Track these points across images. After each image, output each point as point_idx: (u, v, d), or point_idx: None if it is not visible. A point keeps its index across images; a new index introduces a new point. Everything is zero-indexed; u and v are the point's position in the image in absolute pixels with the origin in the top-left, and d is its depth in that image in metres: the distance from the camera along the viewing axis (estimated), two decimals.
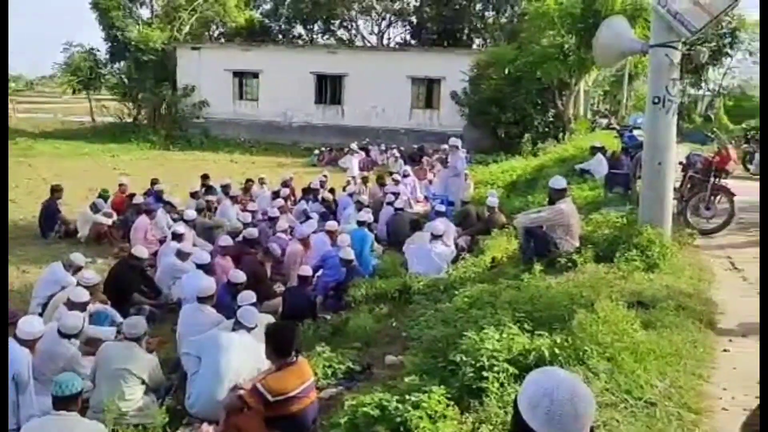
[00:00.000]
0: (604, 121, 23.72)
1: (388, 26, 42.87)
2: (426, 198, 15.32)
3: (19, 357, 5.17)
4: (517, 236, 7.94)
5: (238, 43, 33.58)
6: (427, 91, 29.85)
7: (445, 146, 15.25)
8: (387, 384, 4.55)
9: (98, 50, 33.55)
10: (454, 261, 9.00)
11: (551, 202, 7.27)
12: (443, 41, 36.84)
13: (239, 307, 5.93)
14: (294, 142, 29.57)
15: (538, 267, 6.28)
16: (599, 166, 12.08)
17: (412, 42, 40.43)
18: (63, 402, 4.07)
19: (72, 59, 32.96)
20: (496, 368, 3.90)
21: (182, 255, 8.71)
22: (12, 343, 5.28)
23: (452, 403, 3.71)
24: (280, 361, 4.58)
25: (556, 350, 4.06)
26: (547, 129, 23.75)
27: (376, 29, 42.94)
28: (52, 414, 4.10)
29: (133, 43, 30.65)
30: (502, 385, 3.84)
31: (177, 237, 9.37)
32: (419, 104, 29.95)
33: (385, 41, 42.35)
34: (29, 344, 5.29)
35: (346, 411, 3.88)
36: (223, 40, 36.64)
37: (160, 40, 30.96)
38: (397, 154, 23.27)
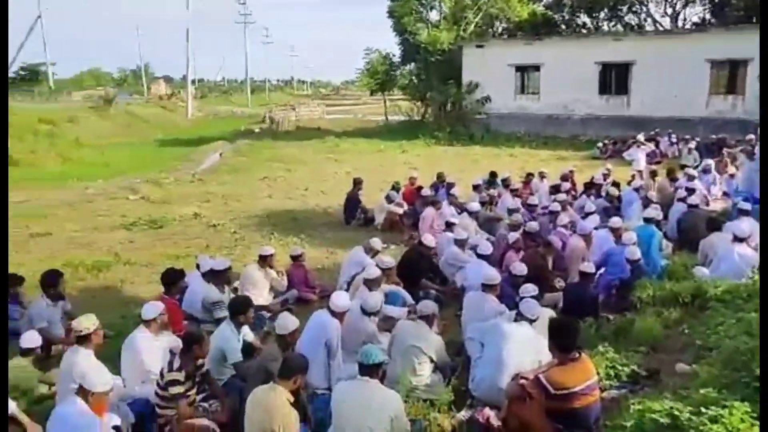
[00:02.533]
0: None
1: (684, 6, 38.88)
2: (726, 194, 13.66)
3: (331, 326, 6.02)
4: None
5: (521, 38, 33.66)
6: (730, 75, 26.52)
7: (751, 136, 13.38)
8: (677, 393, 4.27)
9: (393, 54, 36.71)
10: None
11: None
12: (751, 18, 32.16)
13: (521, 298, 6.05)
14: (574, 135, 28.76)
15: None
16: None
17: (712, 21, 36.09)
18: (367, 369, 4.62)
19: (371, 63, 36.53)
20: None
21: (461, 243, 9.15)
22: (325, 314, 6.16)
23: (757, 422, 3.35)
24: (562, 356, 4.59)
25: None
26: None
27: (669, 11, 39.31)
28: (358, 378, 4.68)
29: (422, 45, 32.78)
30: None
31: (450, 227, 9.90)
32: (719, 90, 26.72)
33: (679, 23, 38.55)
34: (339, 316, 6.11)
35: (633, 415, 3.75)
36: (506, 35, 37.05)
37: (447, 40, 32.58)
38: (692, 146, 21.06)
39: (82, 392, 4.52)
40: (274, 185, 18.94)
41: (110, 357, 5.85)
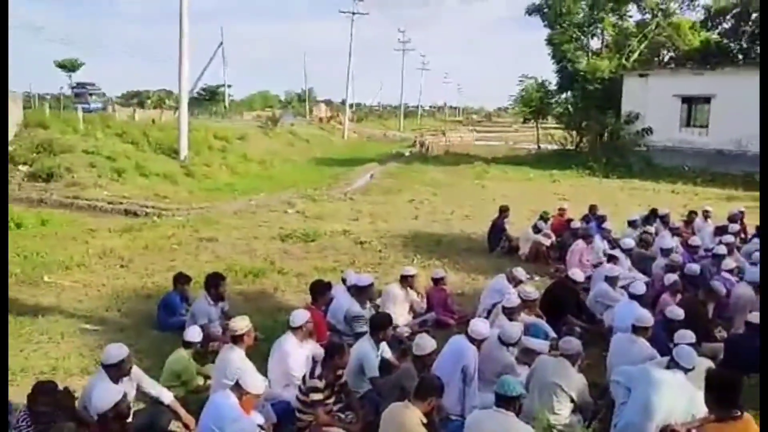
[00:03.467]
0: None
1: None
2: None
3: (468, 352, 5.97)
4: None
5: (690, 67, 31.57)
6: None
7: None
8: None
9: (549, 82, 36.06)
10: None
11: None
12: None
13: (676, 345, 5.62)
14: (747, 173, 26.23)
15: None
16: None
17: None
18: (505, 400, 4.51)
19: (525, 91, 36.12)
20: None
21: (612, 281, 8.70)
22: (463, 339, 6.11)
23: None
24: (721, 413, 4.20)
25: None
26: None
27: None
28: (494, 409, 4.59)
29: (581, 73, 31.93)
30: None
31: (612, 260, 9.43)
32: None
33: None
34: (477, 343, 6.04)
35: None
36: (673, 65, 34.96)
37: (607, 69, 31.48)
38: None
39: (237, 389, 4.87)
40: (421, 207, 19.23)
41: (258, 358, 6.23)
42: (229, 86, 73.31)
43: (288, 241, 13.89)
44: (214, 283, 7.92)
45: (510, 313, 7.06)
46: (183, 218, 16.49)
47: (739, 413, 4.19)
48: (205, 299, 7.82)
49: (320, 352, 5.88)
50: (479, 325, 6.09)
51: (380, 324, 6.34)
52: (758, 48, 36.54)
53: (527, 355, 6.37)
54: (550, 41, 34.38)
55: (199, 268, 10.85)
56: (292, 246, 13.53)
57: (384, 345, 6.46)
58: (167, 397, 5.54)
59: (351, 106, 69.03)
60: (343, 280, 8.44)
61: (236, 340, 5.87)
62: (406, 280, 8.71)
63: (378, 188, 23.88)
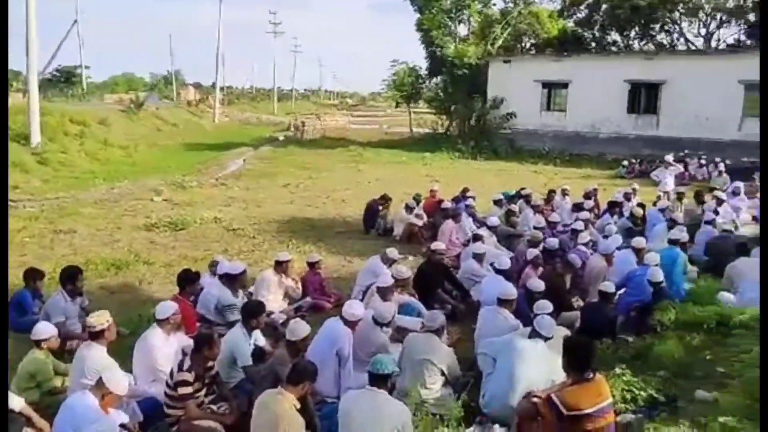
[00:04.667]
0: None
1: (719, 27, 38.47)
2: (755, 218, 13.36)
3: (342, 334, 5.97)
4: None
5: (549, 54, 33.51)
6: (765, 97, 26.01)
7: None
8: (696, 420, 4.14)
9: (420, 67, 36.78)
10: None
11: None
12: None
13: (536, 315, 5.94)
14: (600, 154, 28.47)
15: None
16: None
17: (747, 42, 35.59)
18: (377, 379, 4.55)
19: (397, 76, 36.64)
20: None
21: (479, 258, 9.06)
22: (338, 322, 6.12)
23: None
24: (576, 376, 4.47)
25: None
26: None
27: (703, 31, 38.90)
28: (367, 388, 4.61)
29: (449, 58, 32.81)
30: None
31: (477, 239, 9.82)
32: (753, 112, 26.24)
33: (713, 43, 38.09)
34: (351, 325, 6.06)
35: None
36: (534, 51, 36.95)
37: (474, 55, 32.60)
38: (721, 168, 20.71)
39: (98, 389, 4.55)
40: (296, 192, 19.00)
41: (122, 354, 5.87)
42: (87, 67, 67.96)
43: (154, 231, 13.17)
44: (70, 277, 7.35)
45: (384, 293, 7.14)
46: (36, 209, 15.14)
47: (592, 375, 4.49)
48: (61, 295, 7.26)
49: (189, 344, 5.64)
50: (353, 307, 6.11)
51: (252, 311, 6.18)
52: (609, 37, 39.58)
53: (401, 333, 6.47)
54: (419, 26, 35.04)
55: (55, 262, 10.03)
56: (159, 235, 12.85)
57: (257, 333, 6.33)
58: (17, 403, 5.05)
59: (222, 89, 66.69)
60: (213, 269, 8.16)
61: (95, 336, 5.49)
62: (280, 266, 8.57)
63: (251, 173, 23.30)
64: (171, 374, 5.29)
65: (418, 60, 43.40)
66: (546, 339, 5.49)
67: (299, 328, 5.54)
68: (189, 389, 5.16)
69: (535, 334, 5.55)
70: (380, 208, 13.59)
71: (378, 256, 8.79)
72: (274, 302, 8.17)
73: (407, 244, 12.25)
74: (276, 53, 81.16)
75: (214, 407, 5.42)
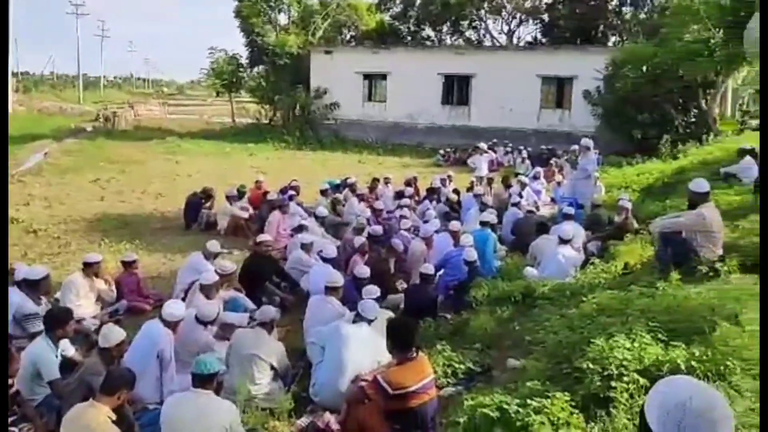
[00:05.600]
0: (755, 122, 21.70)
1: (519, 25, 42.20)
2: (553, 200, 14.86)
3: (163, 337, 5.65)
4: (653, 242, 7.47)
5: (368, 46, 34.35)
6: (558, 90, 29.01)
7: (575, 147, 14.66)
8: (507, 387, 4.46)
9: (240, 55, 35.77)
10: (583, 266, 8.61)
11: (692, 207, 6.72)
12: (576, 39, 35.55)
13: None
14: (419, 143, 29.82)
15: (675, 275, 5.85)
16: (748, 169, 11.09)
17: (543, 40, 39.40)
18: (201, 380, 4.35)
19: (216, 63, 35.31)
20: (625, 378, 3.70)
21: (306, 248, 9.07)
22: (157, 324, 5.78)
23: (577, 411, 3.57)
24: (400, 356, 4.63)
25: (694, 363, 3.77)
26: (688, 130, 22.15)
27: (505, 28, 42.38)
28: (191, 390, 4.40)
29: (270, 47, 32.30)
30: (631, 396, 3.64)
31: (301, 229, 9.83)
32: (549, 104, 29.13)
33: (514, 40, 41.63)
34: (172, 326, 5.76)
35: (465, 411, 3.85)
36: (354, 43, 37.67)
37: (295, 44, 32.38)
38: (524, 155, 22.80)
39: None
40: (107, 187, 17.57)
41: None
42: None
43: None
44: None
45: (207, 291, 6.87)
46: None
47: (416, 354, 4.67)
48: None
49: None
50: (172, 307, 5.81)
51: (57, 320, 5.62)
52: (424, 32, 41.51)
53: (227, 330, 6.27)
54: (238, 14, 34.09)
55: None
56: None
57: (65, 342, 5.79)
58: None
59: (15, 75, 59.78)
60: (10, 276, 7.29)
61: None
62: (90, 268, 7.87)
63: (54, 168, 21.12)
64: None
65: (238, 47, 42.21)
66: (369, 321, 5.63)
67: (112, 333, 5.15)
68: None
69: (358, 318, 5.67)
70: (202, 201, 13.02)
71: (199, 252, 8.43)
72: (85, 308, 7.51)
73: (233, 237, 11.90)
74: (80, 35, 73.85)
75: (15, 430, 4.86)
